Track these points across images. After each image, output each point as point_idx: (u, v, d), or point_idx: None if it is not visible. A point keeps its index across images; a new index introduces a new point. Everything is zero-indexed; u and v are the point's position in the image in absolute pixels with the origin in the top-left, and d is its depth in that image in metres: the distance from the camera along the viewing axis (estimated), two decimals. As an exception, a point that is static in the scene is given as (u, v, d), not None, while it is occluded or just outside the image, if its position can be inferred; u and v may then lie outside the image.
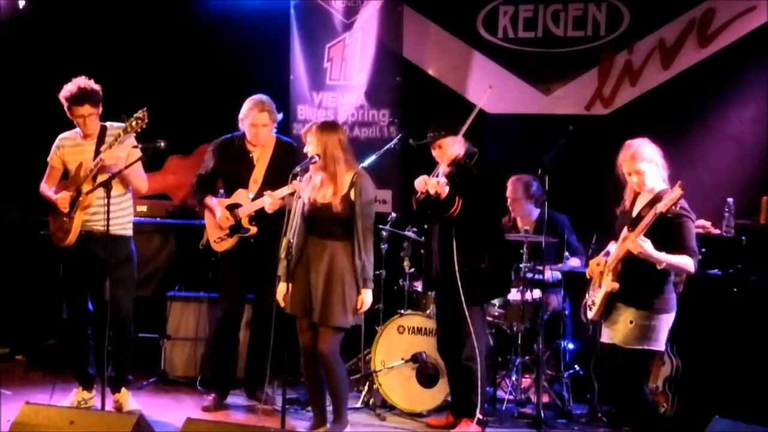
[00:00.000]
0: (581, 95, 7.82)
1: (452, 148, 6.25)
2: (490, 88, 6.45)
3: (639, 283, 5.38)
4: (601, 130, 7.53)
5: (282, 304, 5.97)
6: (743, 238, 6.81)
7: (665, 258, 5.24)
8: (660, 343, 5.46)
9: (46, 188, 6.60)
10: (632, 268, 5.37)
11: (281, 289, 5.96)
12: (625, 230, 5.47)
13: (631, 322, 5.39)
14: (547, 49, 7.93)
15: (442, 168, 6.23)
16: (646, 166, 5.47)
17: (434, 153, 6.34)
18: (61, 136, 6.61)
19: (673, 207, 5.14)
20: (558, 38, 7.89)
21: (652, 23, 7.60)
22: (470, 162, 6.21)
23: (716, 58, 7.42)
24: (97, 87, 6.44)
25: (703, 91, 7.47)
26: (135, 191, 6.60)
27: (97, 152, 6.40)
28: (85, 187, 6.35)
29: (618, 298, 5.45)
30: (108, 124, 6.52)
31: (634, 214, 5.52)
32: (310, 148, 5.95)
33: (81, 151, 6.49)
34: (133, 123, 6.17)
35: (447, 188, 6.04)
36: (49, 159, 6.60)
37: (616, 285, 5.39)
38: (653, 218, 5.20)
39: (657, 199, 5.37)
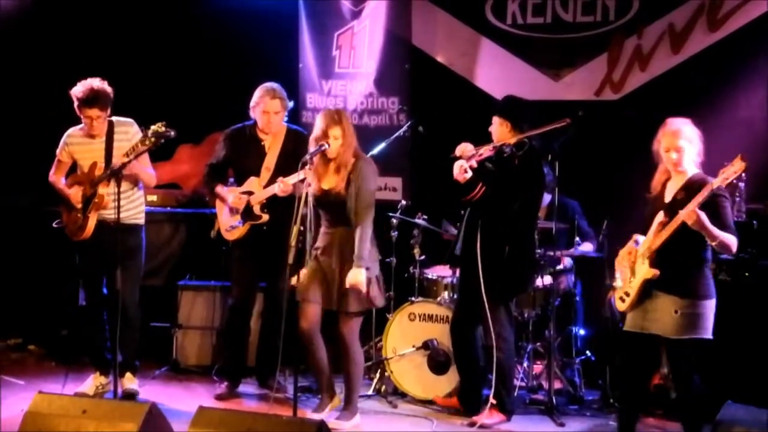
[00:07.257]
0: (591, 81, 7.78)
1: (499, 132, 6.27)
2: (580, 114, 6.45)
3: (680, 270, 5.26)
4: (612, 116, 7.52)
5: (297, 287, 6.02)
6: (754, 222, 6.78)
7: (719, 233, 5.11)
8: (708, 331, 5.30)
9: (57, 180, 6.64)
10: (671, 254, 5.24)
11: (301, 274, 6.00)
12: (660, 215, 5.29)
13: (676, 311, 5.24)
14: (557, 35, 7.89)
15: (484, 150, 6.17)
16: (686, 145, 5.33)
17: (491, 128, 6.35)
18: (68, 132, 6.62)
19: (734, 181, 5.06)
20: (567, 24, 7.85)
21: (661, 8, 7.55)
22: (517, 152, 6.14)
23: (726, 42, 7.38)
24: (109, 89, 6.43)
25: (713, 75, 7.43)
26: (144, 184, 6.64)
27: (108, 151, 6.42)
28: (102, 189, 6.40)
29: (657, 285, 5.29)
30: (115, 119, 6.54)
31: (668, 199, 5.37)
32: (338, 135, 5.94)
33: (91, 150, 6.51)
34: (152, 138, 6.01)
35: (467, 176, 6.03)
36: (57, 152, 6.63)
37: (656, 272, 5.23)
38: (710, 192, 5.05)
39: (692, 183, 5.27)
